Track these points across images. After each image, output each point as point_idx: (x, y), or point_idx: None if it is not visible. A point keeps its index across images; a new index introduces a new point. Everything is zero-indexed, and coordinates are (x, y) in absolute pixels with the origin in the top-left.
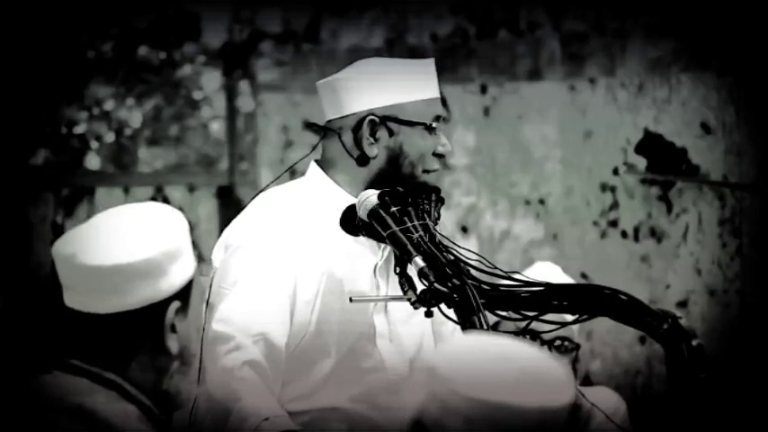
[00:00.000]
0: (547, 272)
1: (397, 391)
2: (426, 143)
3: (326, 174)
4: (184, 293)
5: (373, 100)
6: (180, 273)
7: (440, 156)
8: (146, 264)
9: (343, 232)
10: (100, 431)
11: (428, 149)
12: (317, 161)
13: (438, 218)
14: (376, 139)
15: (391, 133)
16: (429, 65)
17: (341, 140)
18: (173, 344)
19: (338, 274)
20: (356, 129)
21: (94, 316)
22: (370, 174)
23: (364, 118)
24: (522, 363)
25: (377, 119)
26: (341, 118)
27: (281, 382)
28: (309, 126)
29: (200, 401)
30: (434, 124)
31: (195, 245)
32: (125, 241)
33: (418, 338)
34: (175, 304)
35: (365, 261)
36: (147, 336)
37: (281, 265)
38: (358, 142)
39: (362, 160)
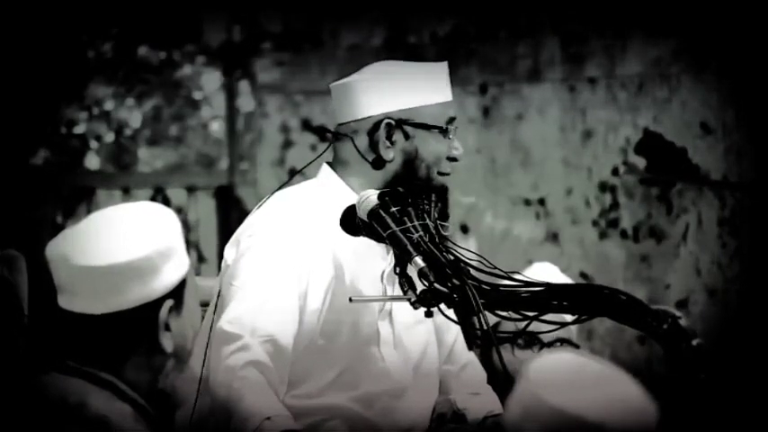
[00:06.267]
0: (545, 272)
1: (401, 395)
2: (441, 146)
3: (339, 176)
4: (178, 292)
5: (390, 103)
6: (173, 271)
7: (453, 159)
8: (139, 263)
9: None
10: (97, 431)
11: (442, 152)
12: (328, 163)
13: (442, 217)
14: (392, 143)
15: (407, 137)
16: (442, 68)
17: (354, 144)
18: (167, 343)
19: (347, 277)
20: (372, 132)
21: (89, 317)
22: (385, 177)
23: (381, 121)
24: (612, 386)
25: (393, 122)
26: (356, 121)
27: (286, 383)
28: (321, 130)
29: (202, 401)
30: (449, 127)
31: (195, 245)
32: (118, 241)
33: (422, 345)
34: (169, 303)
35: (374, 265)
36: (141, 335)
37: (293, 267)
38: (374, 145)
39: (378, 163)
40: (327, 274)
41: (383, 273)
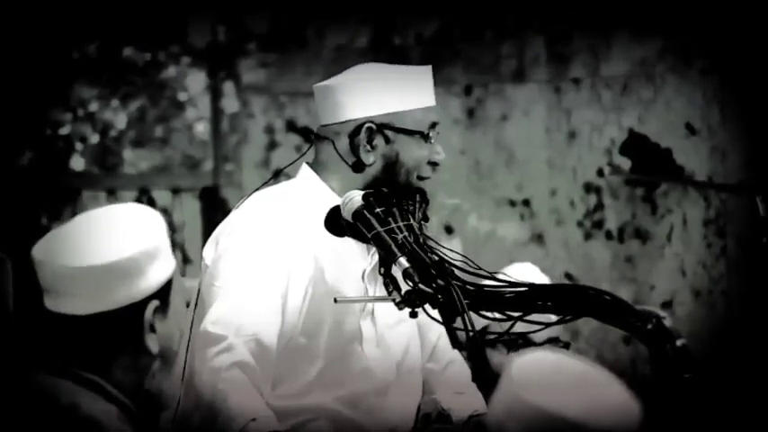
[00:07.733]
0: (525, 272)
1: (384, 394)
2: (422, 151)
3: (319, 177)
4: (163, 293)
5: (372, 107)
6: (158, 272)
7: (434, 163)
8: (125, 263)
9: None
10: (86, 431)
11: (423, 158)
12: (308, 164)
13: (423, 219)
14: (373, 147)
15: (388, 141)
16: (426, 72)
17: (335, 147)
18: (152, 344)
19: (327, 277)
20: (353, 135)
21: (74, 317)
22: (365, 180)
23: (362, 125)
24: (594, 386)
25: (374, 126)
26: (338, 123)
27: (271, 382)
28: (306, 131)
29: (186, 402)
30: (430, 132)
31: (181, 246)
32: (104, 242)
33: (405, 343)
34: (154, 304)
35: (354, 265)
36: (126, 336)
37: (273, 266)
38: (354, 149)
39: (358, 167)
40: (307, 271)
41: (364, 272)
